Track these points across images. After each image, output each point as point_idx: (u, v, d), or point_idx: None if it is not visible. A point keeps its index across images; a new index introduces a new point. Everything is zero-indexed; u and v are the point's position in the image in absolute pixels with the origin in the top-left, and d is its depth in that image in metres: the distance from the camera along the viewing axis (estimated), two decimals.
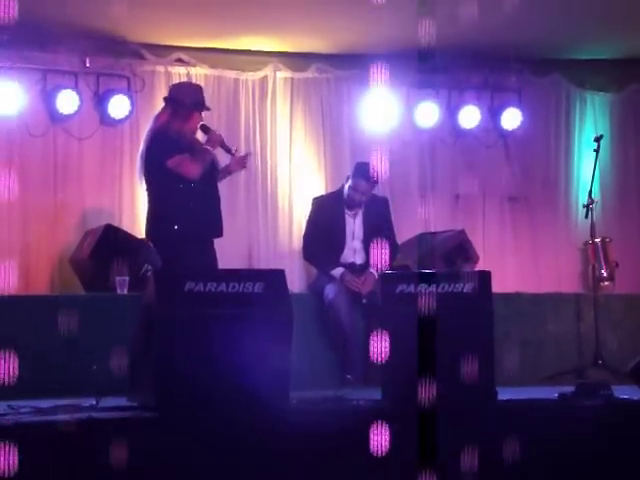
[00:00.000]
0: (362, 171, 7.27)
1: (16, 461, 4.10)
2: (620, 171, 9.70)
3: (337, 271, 7.07)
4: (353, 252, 7.20)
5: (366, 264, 7.16)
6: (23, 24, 7.78)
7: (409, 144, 9.29)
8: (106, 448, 4.29)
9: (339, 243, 7.20)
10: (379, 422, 4.68)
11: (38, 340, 6.20)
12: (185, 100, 6.60)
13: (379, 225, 7.22)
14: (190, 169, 6.42)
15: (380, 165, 7.38)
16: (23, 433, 4.26)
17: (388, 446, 4.62)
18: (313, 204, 7.51)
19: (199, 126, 6.65)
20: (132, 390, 5.18)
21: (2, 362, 5.33)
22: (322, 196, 7.79)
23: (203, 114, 6.71)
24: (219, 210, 6.70)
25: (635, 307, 7.88)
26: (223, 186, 7.01)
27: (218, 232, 6.70)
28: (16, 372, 5.35)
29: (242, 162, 6.79)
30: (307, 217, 7.54)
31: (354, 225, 7.24)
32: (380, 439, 4.62)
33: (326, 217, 7.26)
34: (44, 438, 4.33)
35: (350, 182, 7.25)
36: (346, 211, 7.25)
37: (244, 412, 4.69)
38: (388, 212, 7.42)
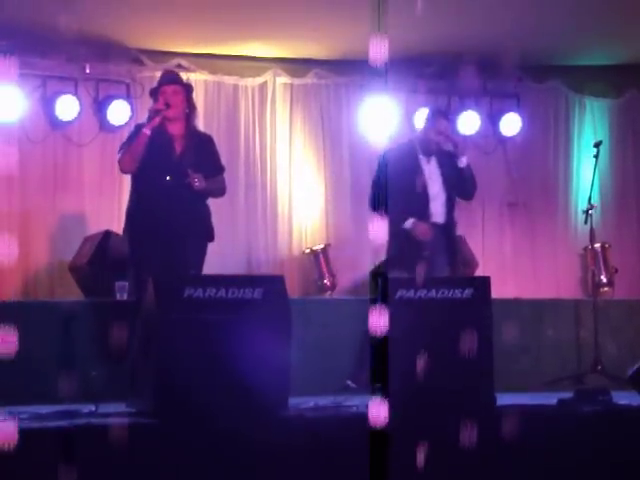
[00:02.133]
0: (439, 111, 6.89)
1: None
2: (619, 177, 9.70)
3: (408, 222, 6.66)
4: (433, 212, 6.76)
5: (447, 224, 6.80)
6: (23, 30, 7.82)
7: None
8: (105, 454, 4.29)
9: (420, 199, 6.72)
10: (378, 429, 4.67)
11: (38, 346, 6.19)
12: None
13: (454, 177, 6.80)
14: (122, 164, 6.34)
15: None
16: (22, 439, 4.25)
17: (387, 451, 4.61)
18: (384, 156, 6.93)
19: None
20: (131, 396, 5.19)
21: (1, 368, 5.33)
22: (394, 147, 6.88)
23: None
24: (191, 209, 6.29)
25: (634, 313, 7.87)
26: None
27: (186, 233, 6.24)
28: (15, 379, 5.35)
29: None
30: (376, 170, 6.93)
31: (431, 178, 6.77)
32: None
33: (403, 169, 6.51)
34: (43, 444, 4.33)
35: (427, 125, 6.76)
36: (421, 158, 6.74)
37: (243, 418, 4.69)
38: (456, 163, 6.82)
